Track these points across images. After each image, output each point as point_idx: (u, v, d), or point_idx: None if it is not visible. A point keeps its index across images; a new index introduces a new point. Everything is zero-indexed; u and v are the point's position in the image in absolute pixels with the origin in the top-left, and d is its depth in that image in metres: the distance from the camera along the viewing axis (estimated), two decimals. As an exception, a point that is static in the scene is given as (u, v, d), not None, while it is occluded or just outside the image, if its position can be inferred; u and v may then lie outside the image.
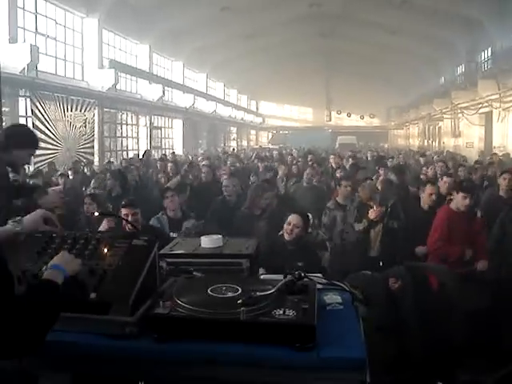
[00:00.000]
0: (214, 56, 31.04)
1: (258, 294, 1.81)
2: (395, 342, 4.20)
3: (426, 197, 6.07)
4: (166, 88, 26.17)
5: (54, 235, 2.23)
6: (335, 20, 28.22)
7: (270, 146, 36.26)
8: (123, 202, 5.22)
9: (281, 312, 1.73)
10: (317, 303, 1.93)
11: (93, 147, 19.47)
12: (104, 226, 4.91)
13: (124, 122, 24.81)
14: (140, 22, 22.94)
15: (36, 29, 16.82)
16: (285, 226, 4.52)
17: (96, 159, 19.19)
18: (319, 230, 6.04)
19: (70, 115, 17.62)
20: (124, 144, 24.72)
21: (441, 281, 4.72)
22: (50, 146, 16.26)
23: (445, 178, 6.72)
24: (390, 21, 26.16)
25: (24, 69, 14.43)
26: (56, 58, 18.29)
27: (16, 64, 14.01)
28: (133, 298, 1.85)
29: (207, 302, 1.81)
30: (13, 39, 14.61)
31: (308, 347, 1.63)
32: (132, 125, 25.56)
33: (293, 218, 4.50)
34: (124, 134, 24.83)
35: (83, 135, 18.63)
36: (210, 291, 1.90)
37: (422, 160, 14.22)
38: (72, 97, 17.40)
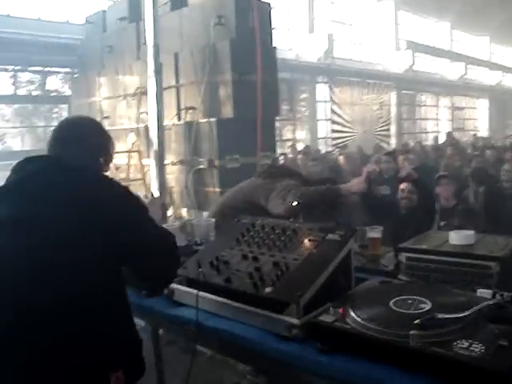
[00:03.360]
0: (528, 27, 27.20)
1: (443, 316, 1.45)
2: None
3: None
4: (468, 66, 24.35)
5: (256, 222, 2.24)
6: None
7: None
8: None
9: (465, 345, 1.34)
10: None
11: (389, 129, 19.54)
12: None
13: (423, 104, 24.06)
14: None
15: (332, 18, 17.55)
16: None
17: (393, 141, 19.20)
18: None
19: (367, 98, 18.01)
20: (423, 126, 24.03)
21: None
22: (347, 129, 17.03)
23: None
24: None
25: (321, 57, 15.29)
26: (351, 43, 18.75)
27: (314, 52, 14.99)
28: (307, 300, 1.70)
29: (378, 316, 1.53)
30: (310, 29, 15.61)
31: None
32: (432, 106, 24.62)
33: None
34: (423, 116, 24.09)
35: (380, 118, 18.88)
36: (393, 303, 1.60)
37: None
38: (368, 80, 17.71)
